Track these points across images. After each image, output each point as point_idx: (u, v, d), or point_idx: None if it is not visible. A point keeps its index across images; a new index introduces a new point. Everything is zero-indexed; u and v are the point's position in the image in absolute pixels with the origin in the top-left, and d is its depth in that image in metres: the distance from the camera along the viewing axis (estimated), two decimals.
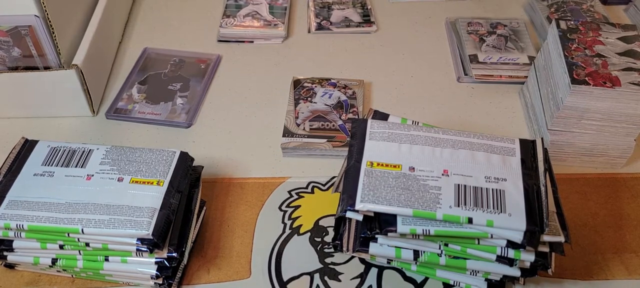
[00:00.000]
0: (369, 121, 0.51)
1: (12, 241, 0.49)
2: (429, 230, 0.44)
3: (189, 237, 0.51)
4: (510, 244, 0.44)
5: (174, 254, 0.47)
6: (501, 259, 0.45)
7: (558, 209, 0.46)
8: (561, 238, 0.44)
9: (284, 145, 0.65)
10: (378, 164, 0.47)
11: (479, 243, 0.45)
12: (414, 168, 0.46)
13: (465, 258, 0.46)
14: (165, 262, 0.48)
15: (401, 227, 0.44)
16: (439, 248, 0.46)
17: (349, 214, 0.46)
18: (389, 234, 0.45)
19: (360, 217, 0.46)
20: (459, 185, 0.45)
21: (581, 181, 0.63)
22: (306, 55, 0.81)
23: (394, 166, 0.47)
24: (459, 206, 0.44)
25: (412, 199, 0.44)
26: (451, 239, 0.45)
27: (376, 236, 0.46)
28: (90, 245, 0.47)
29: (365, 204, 0.44)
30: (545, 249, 0.45)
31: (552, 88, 0.63)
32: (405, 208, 0.43)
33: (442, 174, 0.46)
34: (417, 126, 0.51)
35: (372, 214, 0.45)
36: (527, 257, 0.45)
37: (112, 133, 0.68)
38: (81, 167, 0.50)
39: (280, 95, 0.73)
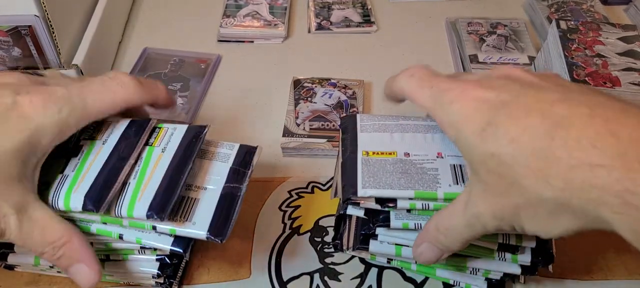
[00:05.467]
0: (358, 115, 0.51)
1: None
2: (429, 205, 0.44)
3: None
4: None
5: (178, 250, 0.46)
6: (503, 247, 0.45)
7: None
8: None
9: (284, 145, 0.65)
10: (373, 153, 0.47)
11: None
12: (409, 153, 0.46)
13: (465, 256, 0.46)
14: (167, 258, 0.48)
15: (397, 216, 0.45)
16: None
17: (350, 210, 0.46)
18: (390, 209, 0.45)
19: (361, 213, 0.46)
20: (454, 165, 0.45)
21: None
22: (306, 55, 0.81)
23: (389, 153, 0.47)
24: (457, 184, 0.44)
25: (412, 181, 0.44)
26: None
27: (377, 228, 0.46)
28: (93, 245, 0.47)
29: (366, 190, 0.44)
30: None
31: None
32: (407, 191, 0.43)
33: (437, 157, 0.46)
34: (405, 116, 0.51)
35: (374, 202, 0.45)
36: (529, 243, 0.45)
37: None
38: None
39: (280, 95, 0.73)
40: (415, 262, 0.49)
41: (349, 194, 0.45)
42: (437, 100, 0.37)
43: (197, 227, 0.44)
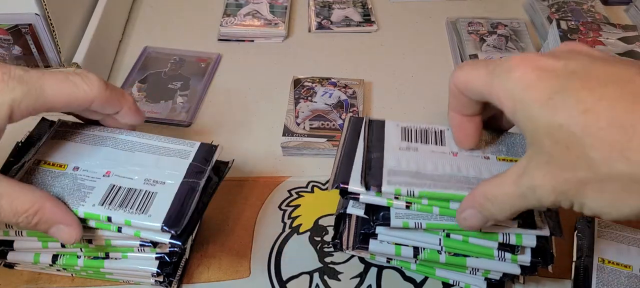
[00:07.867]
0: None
1: (12, 241, 0.49)
2: (413, 192, 0.43)
3: (194, 230, 0.50)
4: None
5: (177, 244, 0.46)
6: (503, 246, 0.45)
7: None
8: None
9: (284, 145, 0.65)
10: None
11: (480, 230, 0.44)
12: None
13: (465, 256, 0.46)
14: (166, 257, 0.48)
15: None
16: (440, 244, 0.46)
17: (350, 209, 0.46)
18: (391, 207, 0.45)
19: (361, 212, 0.46)
20: None
21: None
22: (306, 54, 0.81)
23: None
24: None
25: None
26: (451, 223, 0.45)
27: (377, 227, 0.46)
28: (93, 242, 0.47)
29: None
30: (546, 233, 0.44)
31: None
32: None
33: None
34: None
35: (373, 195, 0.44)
36: (529, 242, 0.44)
37: None
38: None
39: (280, 94, 0.73)
40: (415, 261, 0.49)
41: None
42: (494, 72, 0.35)
43: (153, 219, 0.44)
